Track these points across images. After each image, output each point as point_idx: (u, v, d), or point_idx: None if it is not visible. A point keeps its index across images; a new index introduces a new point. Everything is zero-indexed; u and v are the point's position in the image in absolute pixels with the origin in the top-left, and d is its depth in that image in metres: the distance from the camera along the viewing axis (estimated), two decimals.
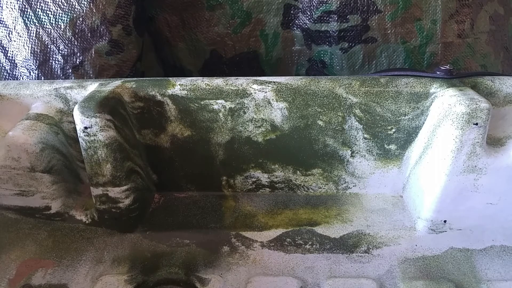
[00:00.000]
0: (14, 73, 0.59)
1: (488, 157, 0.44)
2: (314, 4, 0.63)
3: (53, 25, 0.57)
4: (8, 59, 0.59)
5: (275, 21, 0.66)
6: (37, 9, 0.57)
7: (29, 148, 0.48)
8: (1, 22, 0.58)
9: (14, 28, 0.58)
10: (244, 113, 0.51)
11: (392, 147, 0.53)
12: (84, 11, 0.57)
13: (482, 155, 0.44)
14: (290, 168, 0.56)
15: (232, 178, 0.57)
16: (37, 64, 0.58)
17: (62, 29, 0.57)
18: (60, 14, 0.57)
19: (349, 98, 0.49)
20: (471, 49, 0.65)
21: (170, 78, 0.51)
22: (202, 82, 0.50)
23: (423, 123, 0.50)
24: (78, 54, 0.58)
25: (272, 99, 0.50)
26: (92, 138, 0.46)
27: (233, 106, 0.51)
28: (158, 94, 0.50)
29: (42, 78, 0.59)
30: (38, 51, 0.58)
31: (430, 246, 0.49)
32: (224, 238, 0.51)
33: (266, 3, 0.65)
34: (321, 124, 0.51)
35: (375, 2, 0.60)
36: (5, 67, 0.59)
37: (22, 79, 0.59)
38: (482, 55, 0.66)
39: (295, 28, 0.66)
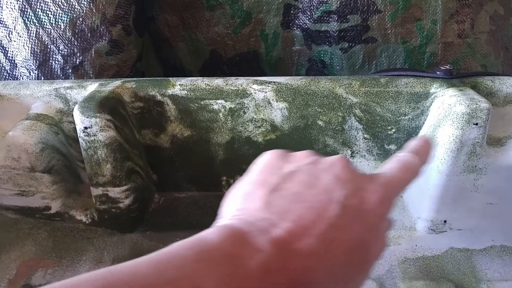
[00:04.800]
0: (14, 73, 0.59)
1: (488, 157, 0.44)
2: (314, 4, 0.63)
3: (53, 25, 0.57)
4: (8, 59, 0.59)
5: (275, 21, 0.66)
6: (37, 9, 0.57)
7: (29, 148, 0.48)
8: (1, 22, 0.58)
9: (14, 28, 0.58)
10: (244, 113, 0.51)
11: (392, 147, 0.53)
12: (84, 11, 0.57)
13: (482, 155, 0.44)
14: None
15: (232, 178, 0.57)
16: (37, 64, 0.58)
17: (62, 29, 0.57)
18: (60, 14, 0.57)
19: (349, 98, 0.49)
20: (471, 49, 0.65)
21: (170, 78, 0.51)
22: (202, 82, 0.50)
23: (423, 123, 0.50)
24: (78, 54, 0.58)
25: (272, 99, 0.50)
26: (92, 138, 0.46)
27: (233, 106, 0.51)
28: (158, 94, 0.50)
29: (42, 78, 0.59)
30: (38, 51, 0.58)
31: (430, 246, 0.49)
32: None
33: (266, 3, 0.65)
34: (321, 124, 0.51)
35: (375, 2, 0.60)
36: (5, 67, 0.59)
37: (22, 79, 0.59)
38: (482, 55, 0.66)
39: (295, 28, 0.66)
